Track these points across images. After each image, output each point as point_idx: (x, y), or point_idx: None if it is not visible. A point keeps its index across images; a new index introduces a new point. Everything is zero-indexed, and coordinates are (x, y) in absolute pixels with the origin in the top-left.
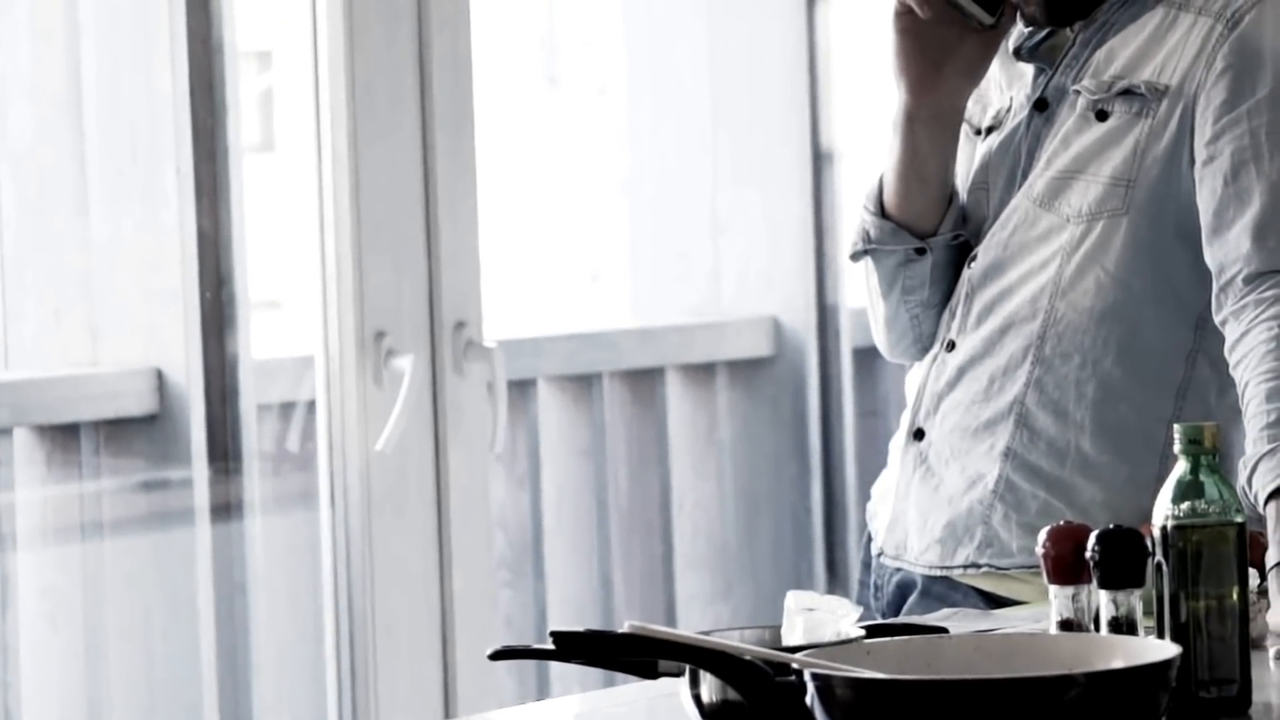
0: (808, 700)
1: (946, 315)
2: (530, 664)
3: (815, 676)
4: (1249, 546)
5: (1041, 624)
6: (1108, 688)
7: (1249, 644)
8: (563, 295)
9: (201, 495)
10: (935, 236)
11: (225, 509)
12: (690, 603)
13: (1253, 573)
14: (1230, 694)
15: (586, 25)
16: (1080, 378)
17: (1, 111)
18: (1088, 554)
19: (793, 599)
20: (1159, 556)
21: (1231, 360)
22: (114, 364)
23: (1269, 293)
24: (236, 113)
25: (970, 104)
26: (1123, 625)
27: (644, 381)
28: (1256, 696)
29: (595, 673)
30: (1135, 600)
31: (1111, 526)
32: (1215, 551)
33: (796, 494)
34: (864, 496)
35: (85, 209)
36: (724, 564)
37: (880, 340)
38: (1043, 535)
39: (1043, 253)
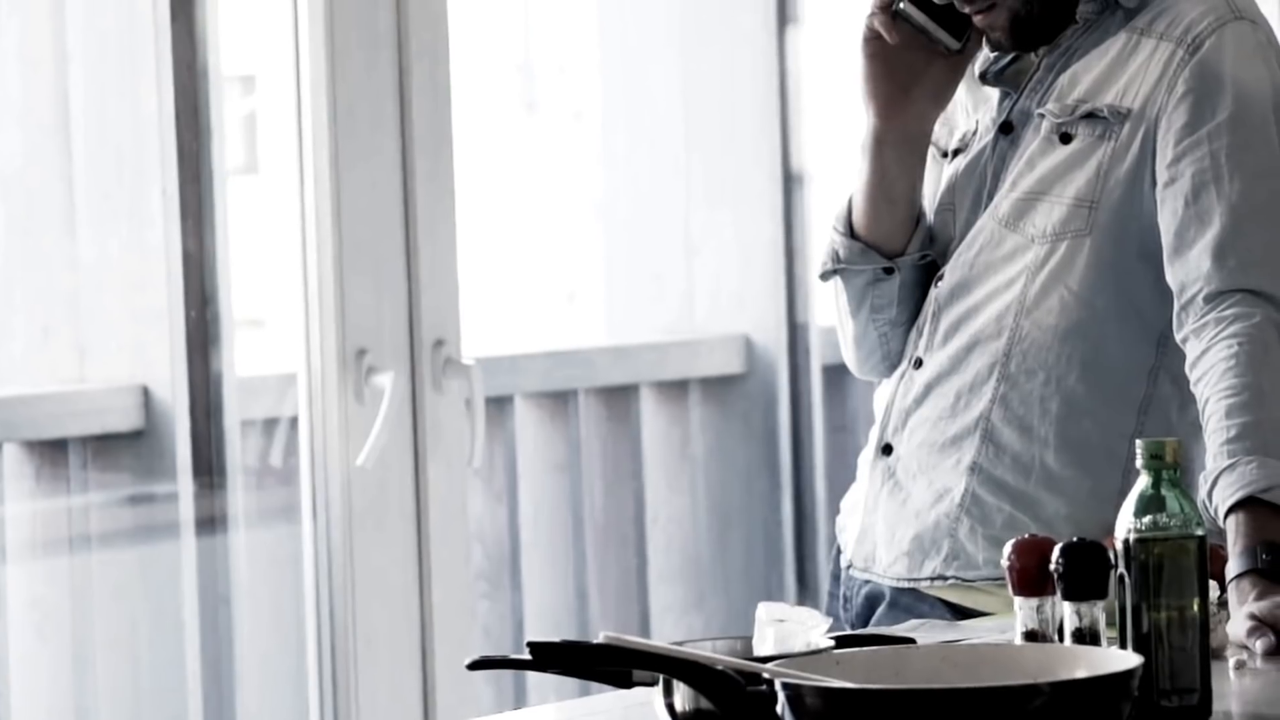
0: (779, 709)
1: (914, 333)
2: (508, 673)
3: (786, 686)
4: (1209, 559)
5: (1007, 635)
6: (1072, 697)
7: (1209, 654)
8: (539, 314)
9: (186, 509)
10: (903, 256)
11: (210, 522)
12: (664, 614)
13: (1213, 584)
14: (1191, 703)
15: (562, 52)
16: (1044, 394)
17: None
18: (1052, 566)
19: (764, 610)
20: (1121, 569)
21: (1192, 377)
22: (101, 381)
23: (1229, 311)
24: (221, 136)
25: (937, 127)
26: (1086, 636)
27: (619, 398)
28: (1217, 705)
29: (571, 682)
30: (1098, 611)
31: (1075, 539)
32: (1176, 564)
33: (767, 508)
34: (833, 510)
35: (73, 230)
36: (697, 576)
37: (849, 358)
38: (1008, 548)
39: (1008, 272)
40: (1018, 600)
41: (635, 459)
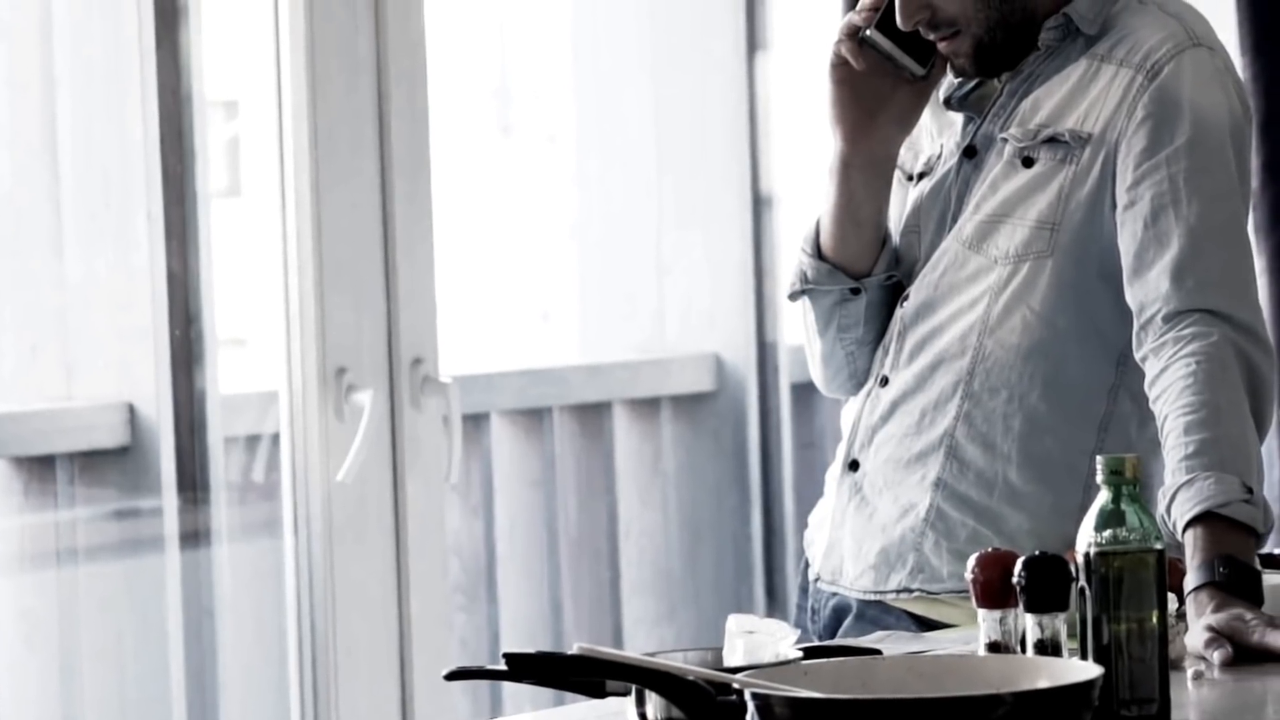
0: (748, 718)
1: (880, 352)
2: (484, 684)
3: (755, 696)
4: (1168, 572)
5: (970, 646)
6: (1034, 707)
7: (1168, 665)
8: (515, 333)
9: (171, 523)
10: (869, 277)
11: (194, 537)
12: (636, 626)
13: (1171, 597)
14: (1150, 713)
15: (537, 77)
16: (1007, 411)
17: None
18: (1015, 579)
19: (734, 622)
20: (1082, 582)
21: (1151, 395)
22: (88, 398)
23: (1187, 330)
24: (204, 159)
25: (903, 151)
26: (1048, 647)
27: (592, 415)
28: (1175, 715)
29: (546, 692)
30: (1060, 623)
31: (1037, 553)
32: (1136, 577)
33: (737, 522)
34: (801, 525)
35: (60, 251)
36: (668, 589)
37: (817, 376)
38: (972, 561)
39: (971, 292)
40: (981, 612)
41: (608, 474)
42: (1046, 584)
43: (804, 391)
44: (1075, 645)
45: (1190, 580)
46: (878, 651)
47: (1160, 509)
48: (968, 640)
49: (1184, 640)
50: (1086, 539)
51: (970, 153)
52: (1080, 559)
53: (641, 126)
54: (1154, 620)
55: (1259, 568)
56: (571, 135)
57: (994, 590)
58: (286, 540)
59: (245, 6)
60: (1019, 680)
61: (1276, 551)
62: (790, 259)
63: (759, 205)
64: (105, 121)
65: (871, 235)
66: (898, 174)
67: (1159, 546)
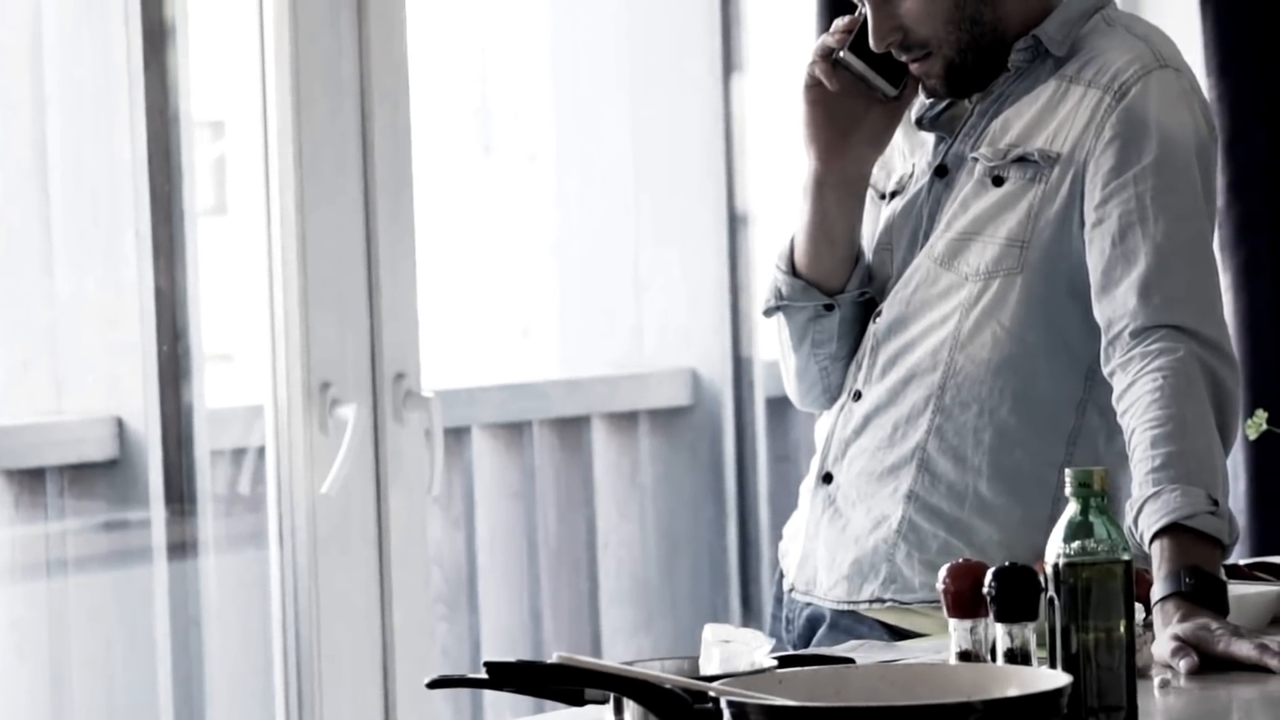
0: None
1: (853, 367)
2: (465, 692)
3: (731, 704)
4: (1135, 583)
5: (942, 655)
6: (1004, 714)
7: (1135, 673)
8: (495, 348)
9: (159, 535)
10: (843, 294)
11: (181, 548)
12: (615, 635)
13: (1139, 607)
14: None
15: (517, 97)
16: (978, 425)
17: None
18: (985, 590)
19: (710, 631)
20: (1051, 592)
21: (1119, 409)
22: (77, 412)
23: (1153, 346)
24: (191, 178)
25: (875, 170)
26: (1017, 656)
27: (571, 429)
28: None
29: (526, 700)
30: (1029, 633)
31: (1007, 564)
32: (1104, 587)
33: (713, 534)
34: (776, 536)
35: (50, 268)
36: (646, 599)
37: (791, 390)
38: (943, 572)
39: (943, 309)
40: (952, 622)
41: (587, 487)
42: (1016, 594)
43: (779, 406)
44: (1044, 654)
45: (1157, 590)
46: (851, 660)
47: (1128, 521)
48: (939, 649)
49: (1151, 649)
50: (1055, 550)
51: (941, 172)
52: (1049, 570)
53: (620, 146)
54: (1121, 630)
55: (1224, 578)
56: (551, 154)
57: (965, 600)
58: (272, 551)
59: (231, 28)
60: (989, 688)
61: (1241, 563)
62: (765, 276)
63: (735, 223)
64: (94, 141)
65: (845, 253)
66: (870, 192)
67: (1126, 557)
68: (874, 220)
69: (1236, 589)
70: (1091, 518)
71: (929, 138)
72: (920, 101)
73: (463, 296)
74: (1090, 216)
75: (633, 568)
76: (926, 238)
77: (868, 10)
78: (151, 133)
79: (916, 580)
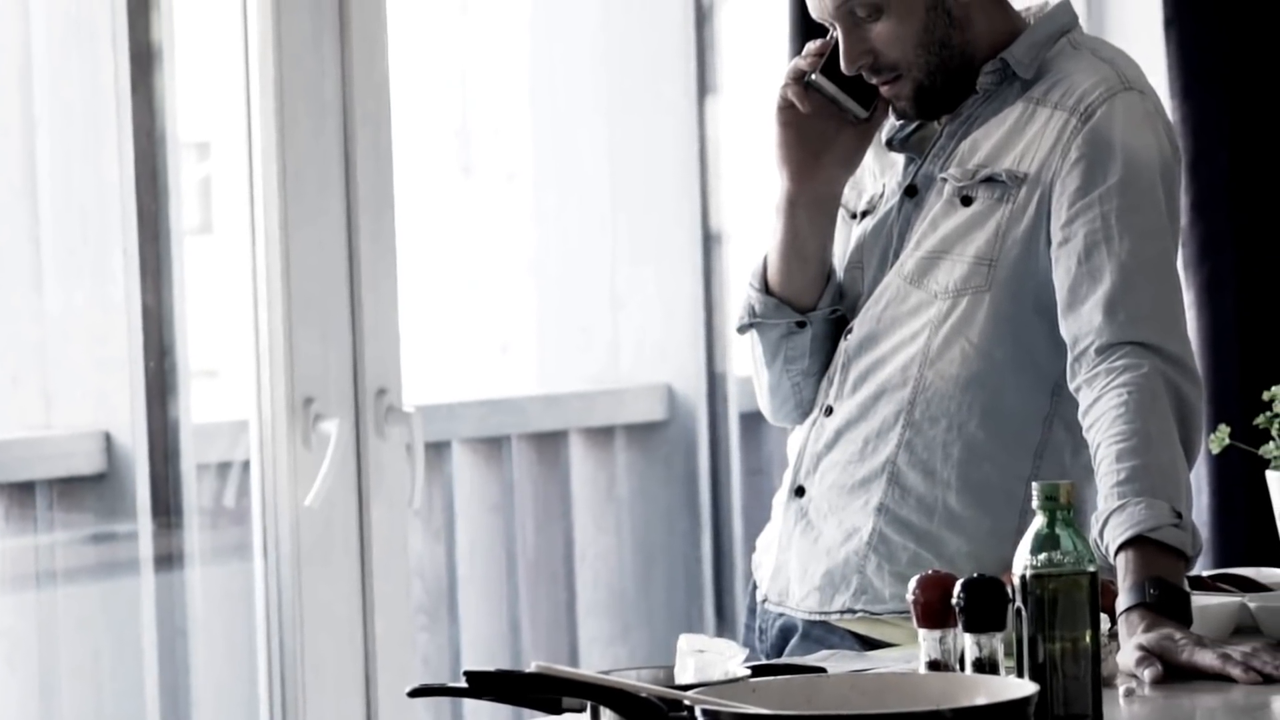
0: None
1: (825, 383)
2: (445, 700)
3: (705, 712)
4: (1100, 594)
5: (912, 664)
6: None
7: (1100, 682)
8: (475, 365)
9: (146, 547)
10: (815, 311)
11: (167, 560)
12: (591, 645)
13: (1104, 617)
14: None
15: (496, 118)
16: (947, 440)
17: None
18: (954, 600)
19: (684, 641)
20: (1019, 603)
21: (1085, 424)
22: (66, 427)
23: (1119, 362)
24: (178, 198)
25: (846, 190)
26: (985, 665)
27: (549, 443)
28: None
29: (505, 709)
30: (997, 642)
31: (975, 575)
32: (1070, 598)
33: (688, 546)
34: (750, 548)
35: (40, 285)
36: (622, 609)
37: (764, 405)
38: (913, 583)
39: (913, 326)
40: (922, 632)
41: (564, 500)
42: (984, 605)
43: (752, 420)
44: (1012, 663)
45: (1122, 601)
46: (822, 670)
47: (1093, 533)
48: (909, 659)
49: (1116, 659)
50: (1023, 562)
51: (911, 192)
52: (1016, 581)
53: (596, 166)
54: (1087, 640)
55: (1188, 589)
56: (529, 175)
57: (934, 611)
58: (256, 563)
59: (216, 51)
60: (958, 697)
61: (1204, 574)
62: (739, 294)
63: (709, 242)
64: (83, 161)
65: (817, 271)
66: (842, 212)
67: (1092, 569)
68: (845, 239)
69: (1200, 600)
70: (1058, 530)
71: (899, 158)
72: (890, 123)
73: (443, 313)
74: (1056, 235)
75: (609, 579)
76: (897, 256)
77: (839, 34)
78: (139, 153)
79: (887, 591)
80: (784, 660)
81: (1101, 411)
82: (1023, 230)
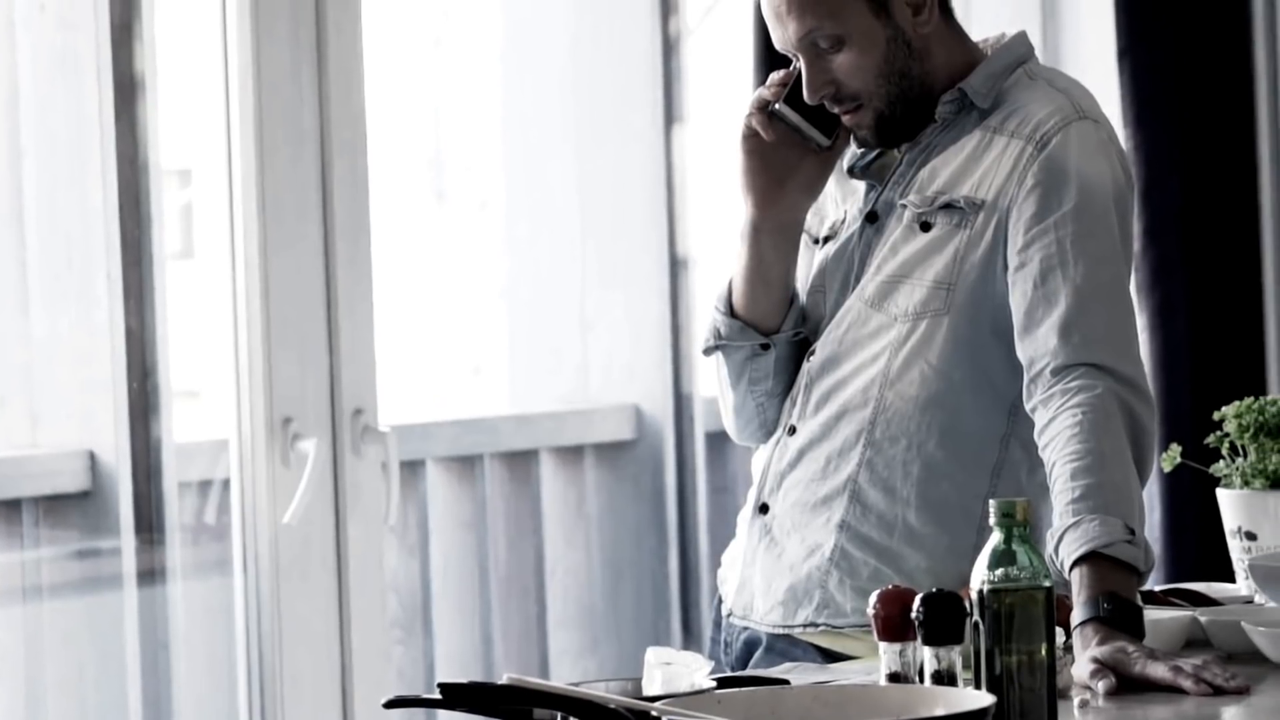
0: None
1: (788, 403)
2: (420, 711)
3: None
4: (1056, 608)
5: (872, 676)
6: None
7: (1056, 694)
8: (449, 386)
9: (129, 563)
10: (778, 334)
11: (150, 575)
12: (561, 657)
13: (1059, 631)
14: None
15: (469, 148)
16: (907, 458)
17: None
18: (913, 614)
19: (652, 654)
20: (976, 617)
21: (1040, 443)
22: (52, 446)
23: (1074, 383)
24: (160, 224)
25: (809, 216)
26: (944, 677)
27: (520, 462)
28: None
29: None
30: (955, 655)
31: (934, 590)
32: (1026, 612)
33: (655, 561)
34: (715, 564)
35: (26, 309)
36: (591, 623)
37: (729, 425)
38: (873, 598)
39: (873, 348)
40: (882, 645)
41: (535, 517)
42: (943, 619)
43: (717, 440)
44: (970, 676)
45: (1077, 615)
46: (786, 682)
47: (1049, 549)
48: (870, 671)
49: (1071, 671)
50: (980, 577)
51: (872, 218)
52: (974, 596)
53: (566, 194)
54: (1043, 653)
55: (1140, 604)
56: (501, 202)
57: (894, 625)
58: (236, 578)
59: (198, 82)
60: (917, 708)
61: (1156, 589)
62: (705, 317)
63: (676, 267)
64: (68, 189)
65: (780, 295)
66: (805, 238)
67: (1048, 584)
68: (808, 264)
69: (1152, 614)
70: (1014, 546)
71: (860, 185)
72: (852, 151)
73: (417, 336)
74: (1013, 260)
75: (579, 593)
76: (858, 280)
77: (802, 65)
78: (122, 181)
79: (848, 605)
80: (748, 672)
81: (1057, 431)
82: (980, 255)
